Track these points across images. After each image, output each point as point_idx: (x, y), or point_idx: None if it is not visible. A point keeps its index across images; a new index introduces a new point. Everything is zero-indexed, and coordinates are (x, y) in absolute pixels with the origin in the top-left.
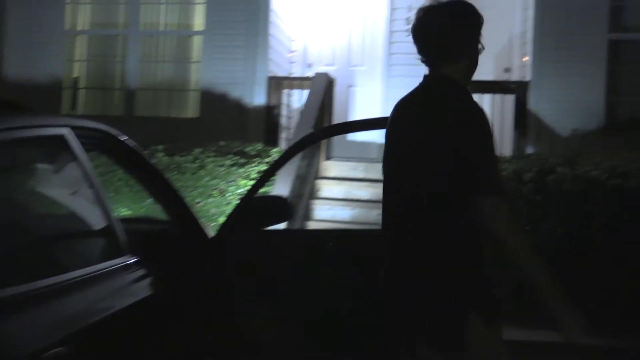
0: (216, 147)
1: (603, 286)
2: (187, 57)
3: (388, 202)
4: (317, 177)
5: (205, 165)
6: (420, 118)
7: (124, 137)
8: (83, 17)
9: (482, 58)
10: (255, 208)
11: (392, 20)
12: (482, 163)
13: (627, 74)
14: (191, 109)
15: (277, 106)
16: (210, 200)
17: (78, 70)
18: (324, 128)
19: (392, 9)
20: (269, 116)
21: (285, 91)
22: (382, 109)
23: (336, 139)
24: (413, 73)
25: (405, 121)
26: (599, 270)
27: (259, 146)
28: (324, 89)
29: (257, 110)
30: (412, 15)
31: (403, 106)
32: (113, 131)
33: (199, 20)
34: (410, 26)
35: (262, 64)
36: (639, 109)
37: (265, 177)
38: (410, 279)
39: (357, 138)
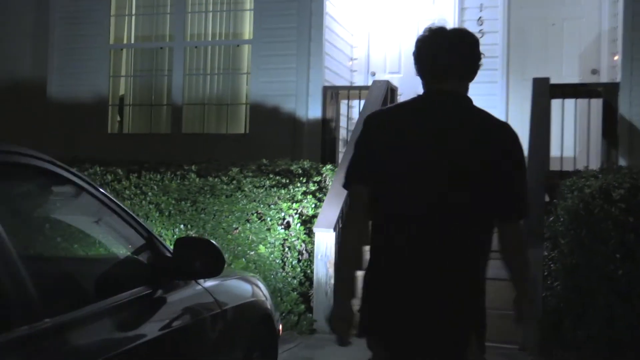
0: (257, 166)
1: None
2: (235, 68)
3: (401, 206)
4: None
5: (242, 186)
6: (468, 132)
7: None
8: (128, 31)
9: (565, 59)
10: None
11: (462, 21)
12: (521, 188)
13: None
14: (240, 125)
15: (335, 119)
16: (248, 225)
17: (123, 86)
18: None
19: (462, 9)
20: (326, 130)
21: (345, 102)
22: None
23: None
24: (487, 78)
25: (441, 130)
26: None
27: (307, 163)
28: (381, 98)
29: (312, 123)
30: (484, 15)
31: (420, 113)
32: (43, 156)
33: (247, 29)
34: (482, 27)
35: (317, 72)
36: None
37: None
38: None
39: None
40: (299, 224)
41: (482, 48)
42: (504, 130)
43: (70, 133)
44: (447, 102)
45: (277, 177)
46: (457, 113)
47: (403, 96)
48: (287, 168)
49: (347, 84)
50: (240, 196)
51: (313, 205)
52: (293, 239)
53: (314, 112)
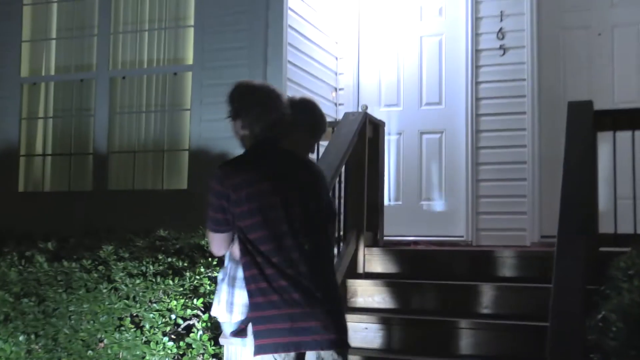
0: (149, 240)
1: None
2: (174, 104)
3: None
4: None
5: (112, 275)
6: (310, 176)
7: None
8: (46, 60)
9: (618, 79)
10: None
11: (476, 35)
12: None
13: None
14: (180, 178)
15: None
16: (117, 336)
17: (41, 130)
18: None
19: (476, 19)
20: None
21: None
22: (470, 160)
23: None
24: (512, 109)
25: (294, 177)
26: None
27: None
28: (352, 136)
29: None
30: (506, 26)
31: (284, 165)
32: None
33: (189, 53)
34: (504, 41)
35: None
36: None
37: None
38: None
39: None
40: (201, 332)
41: (504, 69)
42: (321, 171)
43: None
44: (284, 152)
45: (170, 259)
46: (292, 160)
47: (403, 135)
48: (197, 242)
49: (331, 120)
50: (105, 290)
51: None
52: (195, 354)
53: None
